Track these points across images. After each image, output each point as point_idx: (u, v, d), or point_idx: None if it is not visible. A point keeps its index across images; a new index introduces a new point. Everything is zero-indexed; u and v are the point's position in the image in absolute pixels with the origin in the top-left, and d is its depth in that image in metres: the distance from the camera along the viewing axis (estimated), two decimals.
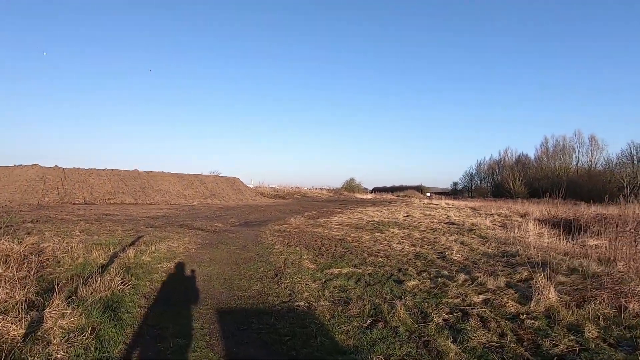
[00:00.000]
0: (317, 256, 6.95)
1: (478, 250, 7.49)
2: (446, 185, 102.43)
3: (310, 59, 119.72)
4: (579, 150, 65.12)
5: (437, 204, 34.72)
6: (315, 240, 8.87)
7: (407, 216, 16.31)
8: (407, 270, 5.74)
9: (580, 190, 43.18)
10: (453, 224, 13.35)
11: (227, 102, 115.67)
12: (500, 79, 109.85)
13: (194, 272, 5.67)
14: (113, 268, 5.15)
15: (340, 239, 9.17)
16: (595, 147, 62.95)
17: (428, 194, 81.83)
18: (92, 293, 4.07)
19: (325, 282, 5.04)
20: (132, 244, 7.56)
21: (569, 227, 11.20)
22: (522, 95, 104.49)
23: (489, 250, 7.62)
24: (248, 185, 40.66)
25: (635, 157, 50.69)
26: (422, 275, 5.44)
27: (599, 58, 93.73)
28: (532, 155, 74.48)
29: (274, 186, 51.45)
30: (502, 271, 5.45)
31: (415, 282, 4.84)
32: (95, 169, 25.31)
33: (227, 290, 4.68)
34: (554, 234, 10.17)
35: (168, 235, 9.09)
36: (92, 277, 4.49)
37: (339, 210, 20.72)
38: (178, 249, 7.41)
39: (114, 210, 16.93)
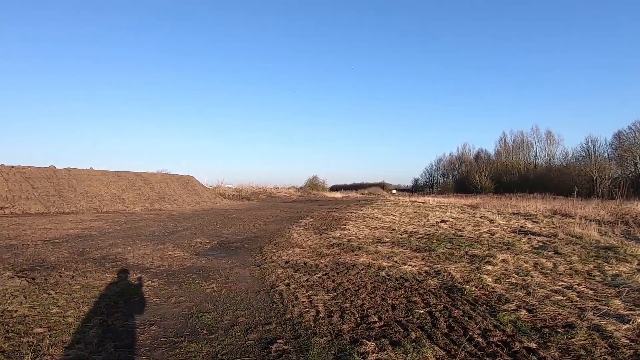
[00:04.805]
0: None
1: None
2: (403, 181, 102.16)
3: (250, 54, 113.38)
4: (536, 145, 67.02)
5: (424, 202, 31.31)
6: (417, 301, 4.02)
7: (442, 222, 12.00)
8: None
9: (550, 185, 42.92)
10: (530, 233, 9.23)
11: (173, 99, 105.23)
12: (454, 75, 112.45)
13: None
14: None
15: (448, 289, 4.43)
16: (551, 141, 65.10)
17: (393, 191, 79.81)
18: None
19: None
20: None
21: None
22: (478, 91, 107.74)
23: None
24: (205, 186, 34.20)
25: (591, 150, 52.39)
26: None
27: (551, 56, 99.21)
28: (491, 150, 75.88)
29: (230, 185, 45.22)
30: None
31: None
32: None
33: None
34: None
35: (45, 306, 3.66)
36: None
37: (338, 214, 15.91)
38: None
39: None
